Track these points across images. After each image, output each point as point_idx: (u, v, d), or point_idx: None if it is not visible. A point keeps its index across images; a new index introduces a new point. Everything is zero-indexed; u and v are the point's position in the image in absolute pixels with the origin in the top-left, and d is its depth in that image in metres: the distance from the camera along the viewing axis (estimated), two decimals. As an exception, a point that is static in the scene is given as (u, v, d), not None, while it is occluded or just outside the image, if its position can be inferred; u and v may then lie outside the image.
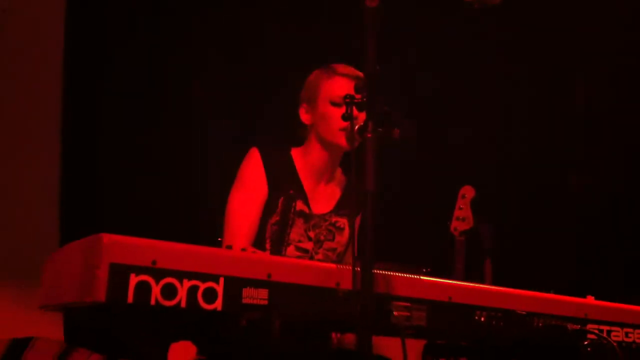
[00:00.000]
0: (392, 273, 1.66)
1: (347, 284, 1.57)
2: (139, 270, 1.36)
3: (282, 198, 2.39)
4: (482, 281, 2.47)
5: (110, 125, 3.42)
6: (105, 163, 3.40)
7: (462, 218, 2.60)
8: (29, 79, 3.41)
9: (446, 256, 2.56)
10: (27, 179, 3.33)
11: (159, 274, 1.37)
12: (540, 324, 1.85)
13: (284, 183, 2.41)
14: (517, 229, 3.71)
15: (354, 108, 1.84)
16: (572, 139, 3.97)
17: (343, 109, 2.33)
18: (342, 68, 2.43)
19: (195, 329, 1.64)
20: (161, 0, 3.57)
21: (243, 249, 1.75)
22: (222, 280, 1.44)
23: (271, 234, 2.39)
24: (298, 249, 2.42)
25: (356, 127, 2.00)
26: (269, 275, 1.50)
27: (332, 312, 1.58)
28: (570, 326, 1.89)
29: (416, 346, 1.97)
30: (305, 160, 2.48)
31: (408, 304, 1.66)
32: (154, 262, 1.37)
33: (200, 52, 3.53)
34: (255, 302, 1.47)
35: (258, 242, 2.37)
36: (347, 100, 1.84)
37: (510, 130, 3.92)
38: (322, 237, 2.46)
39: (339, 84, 2.40)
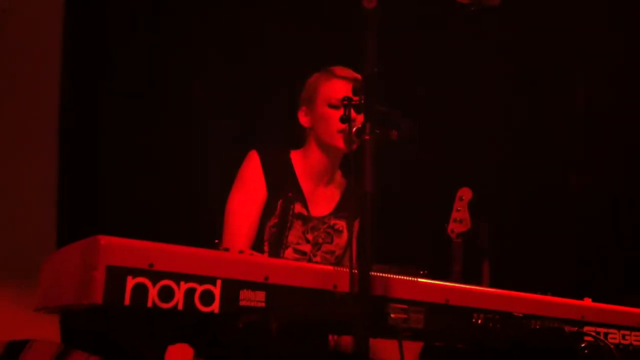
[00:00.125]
0: (389, 275, 1.66)
1: (344, 286, 1.57)
2: (136, 272, 1.36)
3: (280, 200, 2.40)
4: (479, 283, 2.47)
5: (109, 125, 3.42)
6: (104, 164, 3.39)
7: (459, 220, 2.60)
8: (27, 79, 3.41)
9: (443, 258, 2.56)
10: (25, 179, 3.33)
11: (156, 276, 1.37)
12: (538, 326, 1.86)
13: (282, 185, 2.41)
14: (515, 230, 3.71)
15: (352, 110, 1.84)
16: (572, 139, 3.97)
17: (341, 111, 2.34)
18: (340, 70, 2.44)
19: (192, 331, 1.64)
20: (161, 0, 3.57)
21: (240, 251, 1.75)
22: (219, 282, 1.44)
23: (269, 236, 2.39)
24: (296, 251, 2.42)
25: (354, 129, 2.02)
26: (266, 278, 1.50)
27: (330, 315, 1.58)
28: (567, 328, 1.89)
29: (413, 348, 1.97)
30: (305, 162, 2.48)
31: (405, 306, 1.66)
32: (151, 265, 1.37)
33: (200, 53, 3.52)
34: (252, 304, 1.47)
35: (256, 245, 2.37)
36: (345, 102, 1.84)
37: (509, 130, 3.93)
38: (320, 240, 2.46)
39: (336, 87, 2.40)
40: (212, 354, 1.75)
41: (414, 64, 3.66)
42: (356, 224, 2.42)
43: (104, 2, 3.51)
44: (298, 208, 2.42)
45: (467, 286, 1.83)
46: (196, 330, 1.63)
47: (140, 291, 1.35)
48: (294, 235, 2.42)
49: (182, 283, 1.40)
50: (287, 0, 3.62)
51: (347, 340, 2.22)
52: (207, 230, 2.53)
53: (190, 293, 1.41)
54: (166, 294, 1.38)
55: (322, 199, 2.49)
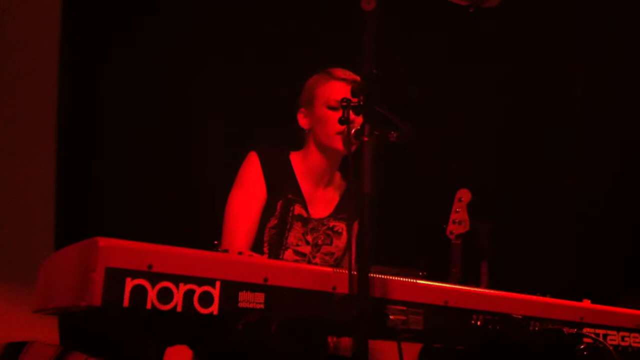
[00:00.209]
0: (388, 277, 1.66)
1: (343, 288, 1.57)
2: (135, 274, 1.35)
3: (280, 202, 2.40)
4: (478, 285, 2.47)
5: (107, 126, 3.42)
6: (102, 165, 3.39)
7: (458, 221, 2.60)
8: (25, 79, 3.40)
9: (442, 260, 2.56)
10: (23, 180, 3.32)
11: (155, 277, 1.37)
12: (537, 328, 1.85)
13: (282, 187, 2.41)
14: (514, 231, 3.72)
15: (351, 112, 1.84)
16: (570, 140, 3.98)
17: (340, 113, 2.34)
18: (338, 72, 2.44)
19: (191, 333, 1.64)
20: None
21: (240, 253, 1.74)
22: (218, 284, 1.44)
23: (269, 237, 2.39)
24: (296, 252, 2.42)
25: (353, 130, 2.01)
26: (266, 279, 1.50)
27: (329, 316, 1.58)
28: (566, 330, 1.89)
29: (412, 350, 1.97)
30: (304, 164, 2.48)
31: (404, 308, 1.66)
32: (150, 266, 1.37)
33: (199, 53, 3.52)
34: (251, 306, 1.47)
35: (256, 246, 2.37)
36: (344, 104, 1.84)
37: (508, 131, 3.93)
38: (320, 242, 2.46)
39: (335, 88, 2.40)
40: (211, 356, 1.74)
41: (412, 65, 3.66)
42: (355, 226, 2.42)
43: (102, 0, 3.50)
44: (298, 209, 2.42)
45: (466, 288, 1.83)
46: (195, 332, 1.63)
47: (139, 293, 1.35)
48: (293, 236, 2.42)
49: (181, 285, 1.40)
50: (287, 2, 3.62)
51: (346, 342, 2.22)
52: (206, 231, 2.53)
53: (189, 295, 1.40)
54: (165, 295, 1.38)
55: (322, 200, 2.49)
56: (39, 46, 3.43)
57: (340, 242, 2.50)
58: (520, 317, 1.84)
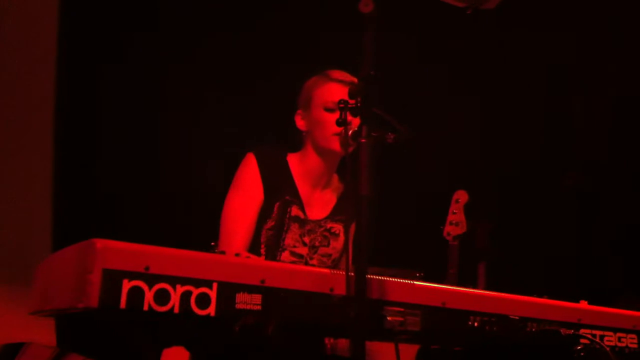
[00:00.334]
0: (385, 278, 1.66)
1: (340, 289, 1.57)
2: (132, 275, 1.35)
3: (277, 203, 2.39)
4: (475, 286, 2.47)
5: (104, 127, 3.41)
6: (99, 167, 3.39)
7: (455, 223, 2.61)
8: (22, 80, 3.40)
9: (439, 261, 2.56)
10: (20, 182, 3.32)
11: (152, 279, 1.37)
12: (534, 329, 1.86)
13: (279, 188, 2.41)
14: (511, 232, 3.72)
15: (348, 113, 1.84)
16: (570, 140, 3.99)
17: (337, 115, 2.34)
18: (335, 74, 2.44)
19: (188, 334, 1.64)
20: (159, 0, 3.57)
21: (237, 254, 1.74)
22: (215, 285, 1.44)
23: (266, 239, 2.38)
24: (293, 254, 2.42)
25: (350, 132, 2.01)
26: (263, 281, 1.50)
27: (326, 317, 1.58)
28: (563, 331, 1.89)
29: (410, 351, 1.97)
30: (301, 166, 2.48)
31: (402, 309, 1.66)
32: (147, 268, 1.37)
33: (197, 53, 3.52)
34: (249, 307, 1.47)
35: (253, 247, 2.37)
36: (341, 105, 1.84)
37: (506, 132, 3.94)
38: (317, 243, 2.46)
39: (332, 90, 2.40)
40: (208, 358, 1.74)
41: (410, 66, 3.67)
42: (353, 227, 2.42)
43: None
44: (295, 211, 2.42)
45: (463, 289, 1.83)
46: (192, 334, 1.63)
47: (136, 294, 1.35)
48: (290, 238, 2.42)
49: (178, 286, 1.40)
50: (287, 4, 3.62)
51: (343, 343, 2.22)
52: (203, 233, 2.53)
53: (186, 296, 1.40)
54: (162, 297, 1.38)
55: (319, 202, 2.49)
56: (36, 46, 3.42)
57: (337, 244, 2.50)
58: (517, 318, 1.84)
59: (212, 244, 2.35)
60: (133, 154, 3.38)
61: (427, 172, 3.70)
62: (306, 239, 2.44)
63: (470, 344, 1.87)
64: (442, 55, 3.80)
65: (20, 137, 3.35)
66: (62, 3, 3.43)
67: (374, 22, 1.62)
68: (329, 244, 2.48)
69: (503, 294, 1.88)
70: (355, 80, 2.29)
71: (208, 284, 1.43)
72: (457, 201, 2.66)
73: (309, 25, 3.63)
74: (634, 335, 2.07)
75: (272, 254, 2.38)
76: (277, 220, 2.39)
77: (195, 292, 1.41)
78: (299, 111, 2.50)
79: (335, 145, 2.38)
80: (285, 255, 2.41)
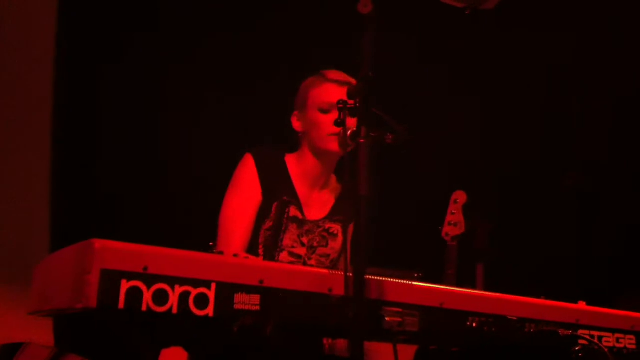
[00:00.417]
0: (384, 278, 1.66)
1: (339, 290, 1.57)
2: (131, 276, 1.35)
3: (275, 204, 2.39)
4: (473, 286, 2.47)
5: (102, 127, 3.41)
6: (98, 166, 3.39)
7: (454, 223, 2.61)
8: (21, 79, 3.40)
9: (438, 261, 2.56)
10: (18, 182, 3.32)
11: (150, 279, 1.37)
12: (532, 330, 1.86)
13: (277, 189, 2.41)
14: (509, 233, 3.72)
15: (347, 113, 1.84)
16: (570, 140, 3.99)
17: (331, 115, 2.35)
18: (331, 74, 2.44)
19: (186, 335, 1.64)
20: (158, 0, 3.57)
21: (235, 255, 1.74)
22: (214, 285, 1.44)
23: (264, 239, 2.38)
24: (291, 254, 2.42)
25: (349, 132, 2.01)
26: (261, 281, 1.50)
27: (325, 318, 1.58)
28: (561, 332, 1.89)
29: (408, 352, 1.97)
30: (299, 166, 2.48)
31: (400, 310, 1.66)
32: (145, 268, 1.37)
33: (196, 54, 3.52)
34: (247, 307, 1.47)
35: (251, 248, 2.37)
36: (340, 105, 1.85)
37: (505, 132, 3.94)
38: (315, 243, 2.46)
39: (327, 91, 2.40)
40: (207, 358, 1.74)
41: (410, 66, 3.67)
42: (351, 228, 2.42)
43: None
44: (293, 211, 2.42)
45: (462, 289, 1.83)
46: (191, 334, 1.63)
47: (134, 295, 1.35)
48: (288, 238, 2.41)
49: (176, 286, 1.40)
50: (287, 4, 3.62)
51: (342, 344, 2.22)
52: (201, 233, 2.53)
53: (184, 296, 1.40)
54: (160, 297, 1.38)
55: (317, 202, 2.49)
56: (35, 46, 3.42)
57: (335, 244, 2.50)
58: (515, 318, 1.84)
59: (211, 244, 2.35)
60: (132, 154, 3.38)
61: (426, 172, 3.70)
62: (304, 240, 2.44)
63: (468, 344, 1.87)
64: (442, 55, 3.80)
65: (18, 137, 3.35)
66: (61, 3, 3.42)
67: (373, 23, 1.62)
68: (327, 245, 2.48)
69: (501, 295, 1.88)
70: (352, 80, 2.30)
71: (206, 284, 1.43)
72: (455, 201, 2.66)
73: (309, 26, 3.62)
74: (632, 336, 2.08)
75: (270, 255, 2.38)
76: (275, 220, 2.38)
77: (194, 292, 1.42)
78: (295, 112, 2.49)
79: (332, 145, 2.38)
80: (284, 255, 2.41)
